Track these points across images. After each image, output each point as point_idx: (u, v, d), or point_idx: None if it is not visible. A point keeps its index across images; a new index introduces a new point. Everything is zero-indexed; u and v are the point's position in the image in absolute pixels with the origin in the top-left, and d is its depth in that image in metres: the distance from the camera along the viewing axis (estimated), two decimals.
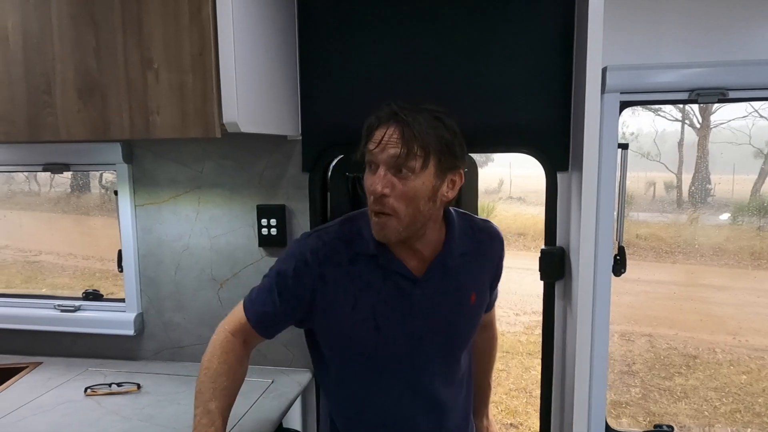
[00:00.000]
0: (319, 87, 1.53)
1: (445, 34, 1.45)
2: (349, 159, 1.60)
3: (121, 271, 1.75)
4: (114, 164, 1.69)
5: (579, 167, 1.33)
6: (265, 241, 1.62)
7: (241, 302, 1.14)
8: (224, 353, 1.10)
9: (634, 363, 4.67)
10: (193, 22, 1.15)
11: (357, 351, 1.08)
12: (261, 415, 1.37)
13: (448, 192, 1.03)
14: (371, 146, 0.98)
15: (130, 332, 1.72)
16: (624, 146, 1.39)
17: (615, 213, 1.42)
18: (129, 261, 1.72)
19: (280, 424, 1.41)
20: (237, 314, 1.13)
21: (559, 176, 1.44)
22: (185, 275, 1.70)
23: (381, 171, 0.96)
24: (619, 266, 1.42)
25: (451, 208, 1.15)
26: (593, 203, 1.27)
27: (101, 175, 3.08)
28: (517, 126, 1.45)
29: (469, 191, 1.64)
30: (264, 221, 1.61)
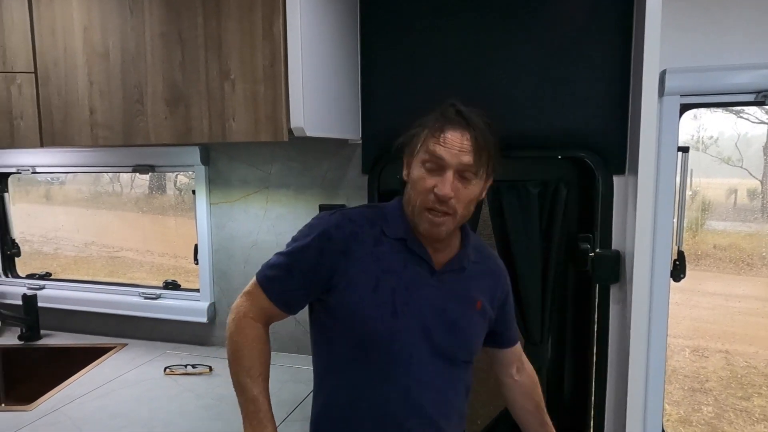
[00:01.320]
0: (379, 93, 1.61)
1: (502, 36, 1.49)
2: (397, 162, 1.62)
3: (197, 263, 1.91)
4: (192, 166, 1.85)
5: (634, 171, 1.33)
6: None
7: (257, 285, 1.11)
8: (252, 342, 1.08)
9: (707, 380, 4.39)
10: (266, 37, 1.27)
11: (371, 333, 1.04)
12: None
13: (482, 194, 1.07)
14: (440, 149, 0.99)
15: (204, 320, 1.88)
16: (684, 149, 1.37)
17: (675, 217, 1.39)
18: (204, 255, 1.88)
19: None
20: (256, 298, 1.10)
21: (616, 179, 1.44)
22: (253, 269, 1.79)
23: (449, 175, 0.98)
24: (678, 271, 1.40)
25: None
26: (649, 207, 1.27)
27: (176, 177, 3.31)
28: (573, 128, 1.46)
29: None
30: None
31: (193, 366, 1.67)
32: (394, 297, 1.05)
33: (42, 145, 1.51)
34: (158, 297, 1.96)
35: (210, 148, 1.84)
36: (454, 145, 0.99)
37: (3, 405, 1.91)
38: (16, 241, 2.23)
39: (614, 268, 1.44)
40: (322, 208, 1.71)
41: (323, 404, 1.11)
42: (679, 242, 1.41)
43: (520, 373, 1.27)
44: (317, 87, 1.34)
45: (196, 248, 1.91)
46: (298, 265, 1.07)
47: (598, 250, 1.46)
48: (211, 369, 1.67)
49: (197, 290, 1.92)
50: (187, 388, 1.55)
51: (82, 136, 1.46)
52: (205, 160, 1.84)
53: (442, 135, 1.00)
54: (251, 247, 1.83)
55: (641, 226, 1.27)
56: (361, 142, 1.65)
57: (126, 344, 1.93)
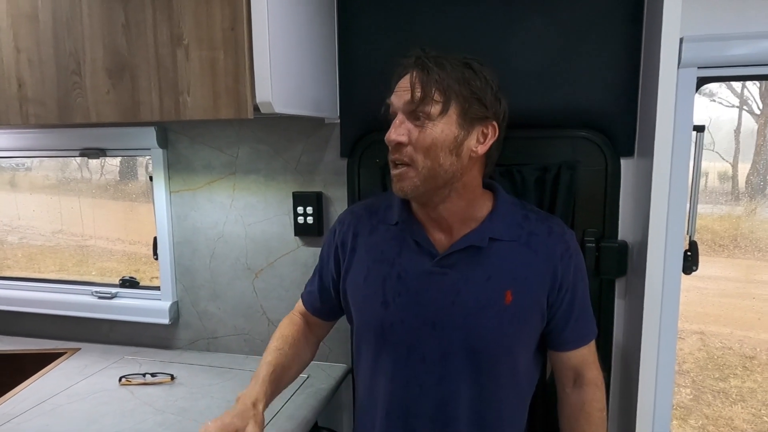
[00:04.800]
0: (360, 66, 1.42)
1: (497, 3, 1.32)
2: (380, 143, 1.47)
3: (157, 258, 1.71)
4: (149, 149, 1.65)
5: (646, 152, 1.19)
6: (301, 230, 1.55)
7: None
8: (286, 323, 1.15)
9: (684, 362, 4.42)
10: None
11: (364, 325, 1.03)
12: (296, 413, 1.30)
13: (477, 146, 0.93)
14: (392, 98, 0.94)
15: (165, 321, 1.69)
16: (700, 129, 1.24)
17: (687, 204, 1.27)
18: (164, 248, 1.69)
19: (315, 422, 1.34)
20: (299, 305, 1.20)
21: (623, 162, 1.29)
22: (220, 264, 1.65)
23: (399, 118, 0.92)
24: (690, 263, 1.28)
25: (510, 195, 1.05)
26: (665, 193, 1.13)
27: (147, 162, 3.14)
28: (575, 105, 1.30)
29: None
30: (300, 209, 1.53)
31: (153, 375, 1.49)
32: (384, 286, 0.98)
33: None
34: (114, 296, 1.76)
35: (168, 128, 1.63)
36: (401, 87, 0.92)
37: None
38: None
39: (621, 261, 1.31)
40: (295, 195, 1.54)
41: (356, 390, 1.14)
42: (691, 232, 1.28)
43: (577, 388, 1.08)
44: (287, 55, 1.15)
45: (155, 242, 1.71)
46: (318, 265, 1.15)
47: (602, 243, 1.32)
48: (172, 378, 1.49)
49: (158, 288, 1.73)
50: (145, 401, 1.37)
51: (10, 113, 1.24)
52: (163, 142, 1.63)
53: (396, 84, 0.94)
54: (217, 240, 1.64)
55: (656, 214, 1.13)
56: (339, 121, 1.47)
57: (79, 349, 1.73)
